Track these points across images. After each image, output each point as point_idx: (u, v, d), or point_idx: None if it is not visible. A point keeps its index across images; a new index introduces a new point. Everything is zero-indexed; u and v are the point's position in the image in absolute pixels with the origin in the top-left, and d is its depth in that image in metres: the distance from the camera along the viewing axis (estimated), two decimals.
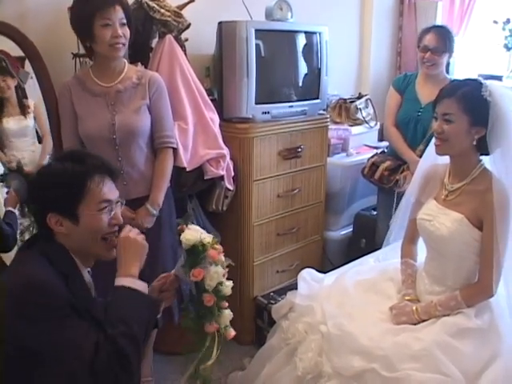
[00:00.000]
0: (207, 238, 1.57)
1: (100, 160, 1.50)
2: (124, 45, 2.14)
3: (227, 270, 1.62)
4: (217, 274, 1.54)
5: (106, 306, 1.43)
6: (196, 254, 1.53)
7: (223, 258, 1.62)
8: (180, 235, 1.56)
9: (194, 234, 1.55)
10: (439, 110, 1.86)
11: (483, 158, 1.90)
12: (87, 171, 1.43)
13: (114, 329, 1.30)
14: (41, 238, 1.46)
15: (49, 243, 1.43)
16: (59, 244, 1.43)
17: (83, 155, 1.50)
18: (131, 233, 1.49)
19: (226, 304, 1.62)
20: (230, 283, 1.62)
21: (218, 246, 1.60)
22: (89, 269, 1.54)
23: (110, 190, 1.47)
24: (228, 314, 1.63)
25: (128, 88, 2.19)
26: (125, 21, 2.12)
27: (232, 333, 1.65)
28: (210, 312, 1.56)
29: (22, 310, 1.27)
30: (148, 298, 1.45)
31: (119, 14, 2.09)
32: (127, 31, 2.14)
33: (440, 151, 1.90)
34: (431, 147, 2.01)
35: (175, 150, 2.35)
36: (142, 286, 1.43)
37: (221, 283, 1.56)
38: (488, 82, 1.84)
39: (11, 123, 2.34)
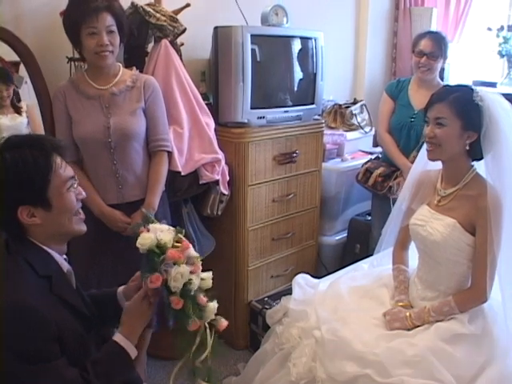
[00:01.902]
0: (165, 237, 1.47)
1: (53, 140, 1.49)
2: (112, 52, 2.12)
3: (200, 262, 1.53)
4: (180, 274, 1.43)
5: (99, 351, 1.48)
6: (153, 258, 1.44)
7: (193, 253, 1.52)
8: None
9: (149, 236, 1.46)
10: (431, 114, 1.86)
11: (475, 163, 1.91)
12: (49, 154, 1.41)
13: (96, 378, 1.38)
14: (12, 238, 1.43)
15: (23, 245, 1.41)
16: (33, 243, 1.41)
17: (34, 139, 1.46)
18: (144, 302, 1.51)
19: (205, 299, 1.52)
20: (207, 274, 1.54)
21: (181, 244, 1.50)
22: (65, 256, 1.53)
23: (68, 168, 1.46)
24: (212, 308, 1.53)
25: (122, 91, 2.19)
26: (114, 28, 2.10)
27: (223, 323, 1.57)
28: (183, 314, 1.46)
29: (8, 340, 1.27)
30: (133, 366, 1.51)
31: (106, 21, 2.07)
32: (116, 38, 2.12)
33: (432, 156, 1.91)
34: (422, 153, 2.02)
35: (170, 154, 2.35)
36: (133, 353, 1.48)
37: (189, 282, 1.46)
38: (478, 88, 1.85)
39: (4, 119, 2.34)
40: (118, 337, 1.48)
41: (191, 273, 1.47)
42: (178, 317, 1.47)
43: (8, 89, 2.35)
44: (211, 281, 1.56)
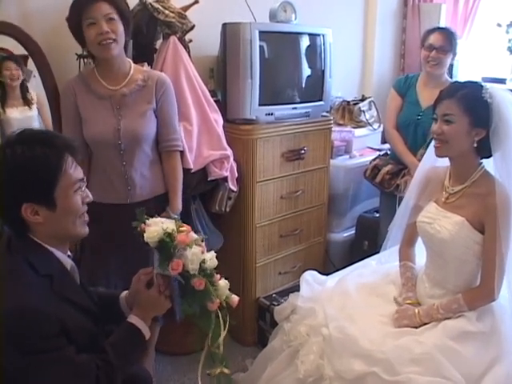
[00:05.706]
0: (169, 226, 1.51)
1: (66, 139, 1.46)
2: (115, 41, 2.07)
3: (203, 243, 1.58)
4: (195, 255, 1.49)
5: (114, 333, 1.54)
6: (166, 247, 1.48)
7: (195, 235, 1.57)
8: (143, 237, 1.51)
9: (155, 229, 1.49)
10: (439, 110, 1.86)
11: (484, 160, 1.90)
12: (61, 153, 1.38)
13: (116, 359, 1.45)
14: (15, 236, 1.43)
15: (25, 243, 1.40)
16: (35, 242, 1.41)
17: (48, 136, 1.44)
18: (162, 296, 1.56)
19: (218, 276, 1.59)
20: (211, 254, 1.58)
21: (184, 228, 1.55)
22: (69, 253, 1.52)
23: (78, 169, 1.45)
24: (224, 284, 1.60)
25: (133, 91, 2.16)
26: (113, 15, 2.06)
27: (235, 299, 1.64)
28: (205, 293, 1.52)
29: (11, 340, 1.28)
30: (146, 346, 1.62)
31: (103, 9, 2.04)
32: (117, 26, 2.07)
33: (440, 153, 1.90)
34: (431, 150, 2.01)
35: (182, 152, 2.36)
36: (147, 334, 1.56)
37: (203, 261, 1.52)
38: (488, 85, 1.84)
39: (15, 113, 2.34)
40: (133, 318, 1.53)
41: (202, 253, 1.53)
42: (200, 299, 1.53)
43: (17, 69, 2.32)
44: (216, 260, 1.60)
